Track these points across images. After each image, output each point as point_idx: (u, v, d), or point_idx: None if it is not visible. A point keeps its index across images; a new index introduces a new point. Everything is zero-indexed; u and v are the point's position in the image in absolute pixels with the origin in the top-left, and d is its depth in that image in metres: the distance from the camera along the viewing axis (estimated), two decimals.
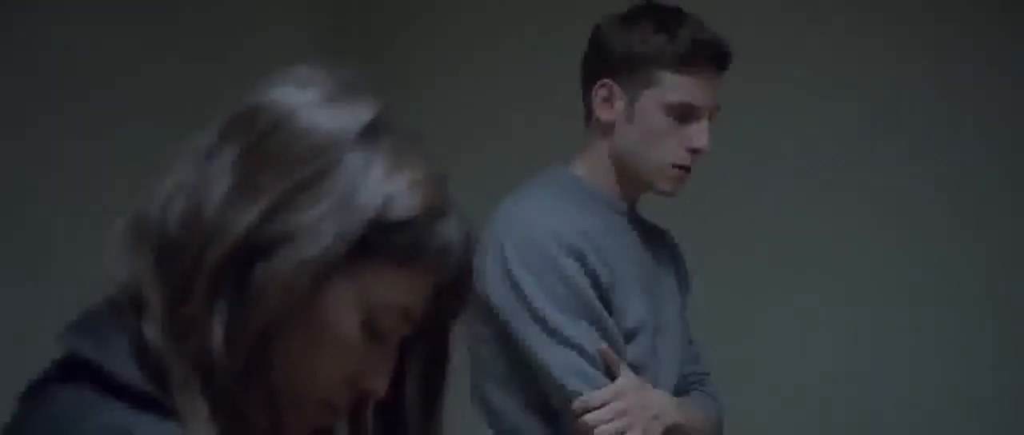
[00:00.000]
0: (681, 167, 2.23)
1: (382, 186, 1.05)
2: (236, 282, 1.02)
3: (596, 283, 2.18)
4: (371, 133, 1.07)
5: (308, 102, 1.07)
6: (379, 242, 1.05)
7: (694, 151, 2.22)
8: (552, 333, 2.14)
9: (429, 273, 1.07)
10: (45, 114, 3.16)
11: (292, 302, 1.02)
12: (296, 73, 1.10)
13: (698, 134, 2.21)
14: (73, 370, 1.04)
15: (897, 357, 3.48)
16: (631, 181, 2.27)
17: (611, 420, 2.14)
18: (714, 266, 3.55)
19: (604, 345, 2.16)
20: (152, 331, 1.03)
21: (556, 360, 2.14)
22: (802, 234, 3.56)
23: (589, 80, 2.27)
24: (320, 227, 1.03)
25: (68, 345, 1.05)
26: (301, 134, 1.05)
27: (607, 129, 2.25)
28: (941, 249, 3.46)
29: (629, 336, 2.22)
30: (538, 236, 2.15)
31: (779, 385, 3.53)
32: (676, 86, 2.20)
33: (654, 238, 2.38)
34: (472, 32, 3.87)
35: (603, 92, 2.24)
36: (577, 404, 2.14)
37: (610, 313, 2.20)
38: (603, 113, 2.25)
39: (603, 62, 2.25)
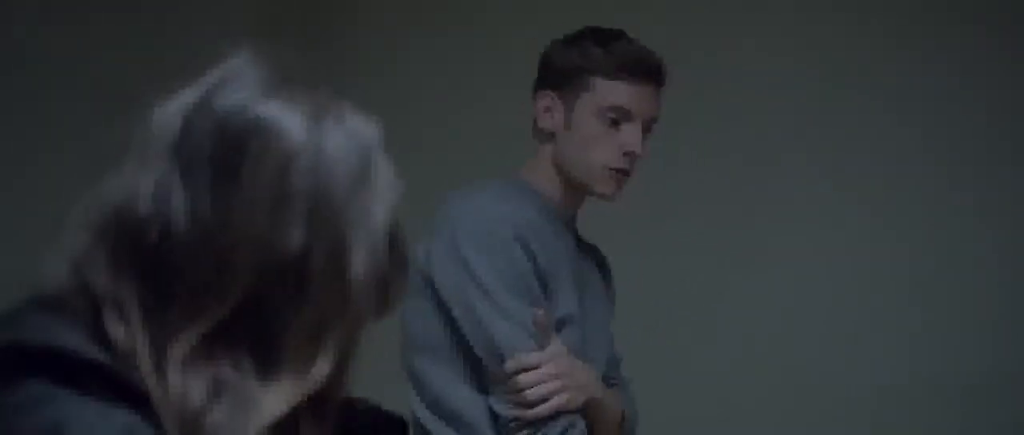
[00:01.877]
0: (617, 170, 2.37)
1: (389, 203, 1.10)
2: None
3: (536, 267, 2.31)
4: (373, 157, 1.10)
5: (310, 135, 1.08)
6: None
7: (628, 154, 2.35)
8: (498, 308, 2.27)
9: None
10: None
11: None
12: (259, 74, 1.10)
13: (631, 138, 2.35)
14: (10, 366, 1.02)
15: (898, 355, 3.49)
16: (573, 187, 2.42)
17: (544, 382, 2.28)
18: (712, 262, 3.60)
19: (539, 312, 2.29)
20: (133, 351, 1.02)
21: (501, 333, 2.28)
22: (802, 229, 3.57)
23: (535, 94, 2.44)
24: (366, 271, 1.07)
25: (12, 337, 1.03)
26: (318, 169, 1.07)
27: (549, 137, 2.41)
28: (944, 245, 3.47)
29: (560, 325, 2.36)
30: (489, 220, 2.30)
31: (777, 381, 3.55)
32: (608, 91, 2.35)
33: (587, 251, 2.53)
34: (417, 11, 3.86)
35: (544, 102, 2.40)
36: (511, 363, 2.27)
37: (546, 297, 2.33)
38: (544, 122, 2.41)
39: (546, 76, 2.42)
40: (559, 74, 2.39)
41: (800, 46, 3.56)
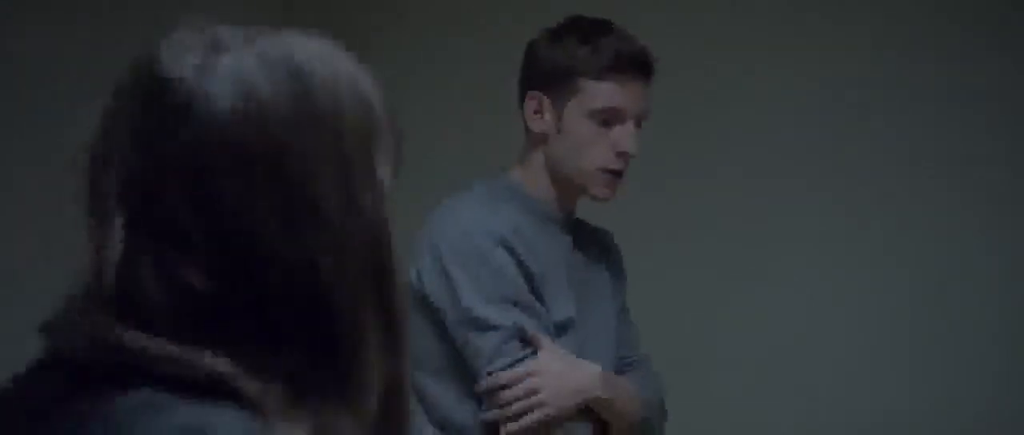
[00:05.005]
0: (611, 171, 2.33)
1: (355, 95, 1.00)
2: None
3: (526, 273, 2.28)
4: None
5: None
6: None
7: (621, 154, 2.31)
8: (479, 322, 2.24)
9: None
10: None
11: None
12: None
13: (624, 138, 2.30)
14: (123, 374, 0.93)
15: (897, 360, 3.49)
16: (566, 188, 2.37)
17: (521, 397, 2.25)
18: (715, 264, 3.60)
19: (532, 330, 2.26)
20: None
21: (482, 345, 2.25)
22: (806, 233, 3.58)
23: (522, 93, 2.39)
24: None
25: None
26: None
27: (540, 139, 2.36)
28: (953, 258, 3.46)
29: (559, 330, 2.32)
30: (470, 231, 2.26)
31: (782, 397, 3.55)
32: (597, 92, 2.30)
33: (590, 241, 2.48)
34: (434, 17, 3.84)
35: (533, 104, 2.35)
36: (485, 383, 2.25)
37: (541, 303, 2.30)
38: (535, 125, 2.36)
39: (532, 76, 2.37)
40: (546, 75, 2.34)
41: (810, 59, 3.56)
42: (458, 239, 2.26)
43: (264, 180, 0.93)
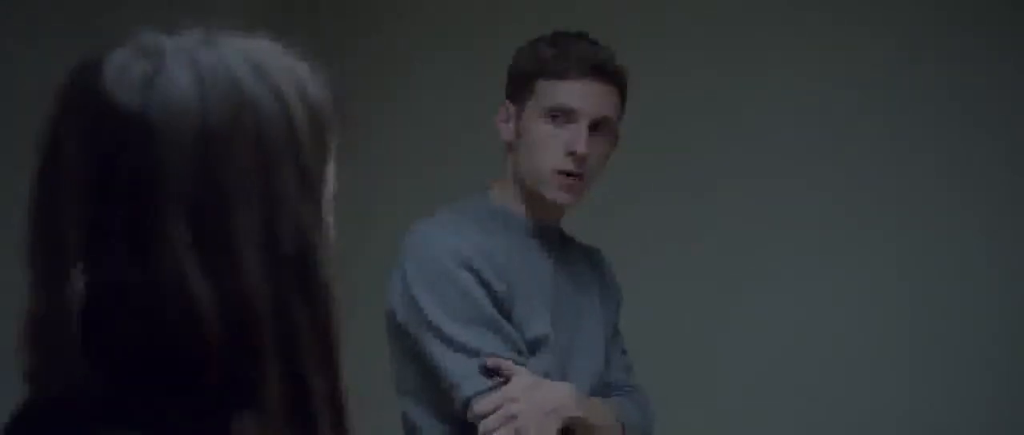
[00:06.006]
0: (565, 173, 2.26)
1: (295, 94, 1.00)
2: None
3: (492, 294, 2.24)
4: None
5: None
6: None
7: (573, 155, 2.25)
8: (448, 342, 2.21)
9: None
10: None
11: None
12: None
13: (575, 138, 2.25)
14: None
15: (898, 362, 3.49)
16: (532, 195, 2.32)
17: (501, 426, 2.21)
18: (715, 264, 3.58)
19: (494, 357, 2.22)
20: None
21: (452, 366, 2.21)
22: (806, 233, 3.57)
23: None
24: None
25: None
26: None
27: (509, 149, 2.34)
28: (952, 263, 3.46)
29: (532, 347, 2.28)
30: (435, 252, 2.22)
31: (782, 403, 3.55)
32: (549, 91, 2.26)
33: (579, 259, 2.44)
34: (437, 20, 3.84)
35: (502, 113, 2.34)
36: (470, 415, 2.22)
37: (510, 322, 2.26)
38: (503, 133, 2.34)
39: (507, 86, 2.35)
40: (513, 81, 2.33)
41: (810, 59, 3.55)
42: (422, 260, 2.23)
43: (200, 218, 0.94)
